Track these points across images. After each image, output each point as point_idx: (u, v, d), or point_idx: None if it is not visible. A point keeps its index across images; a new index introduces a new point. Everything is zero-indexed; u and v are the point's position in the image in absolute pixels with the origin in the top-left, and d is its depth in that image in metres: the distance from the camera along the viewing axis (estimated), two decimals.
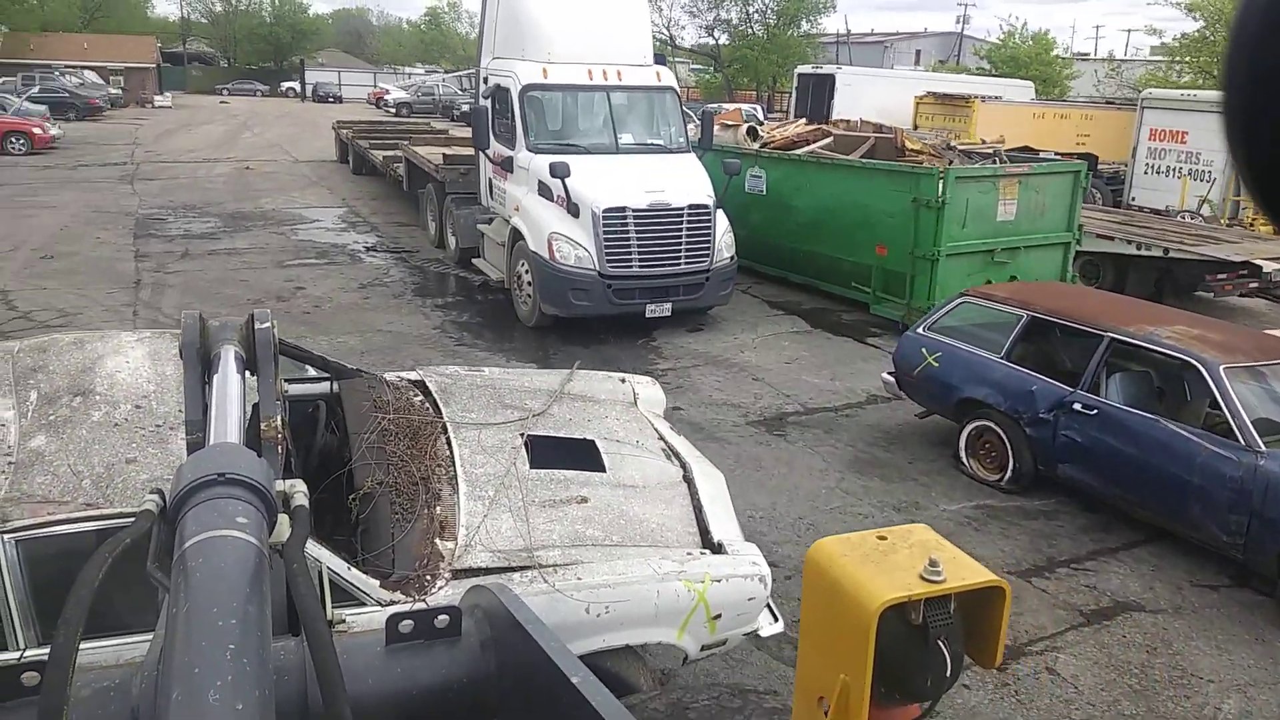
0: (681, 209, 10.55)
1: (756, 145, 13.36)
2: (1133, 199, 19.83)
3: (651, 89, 11.47)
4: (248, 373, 1.96)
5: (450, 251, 14.52)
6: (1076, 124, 25.80)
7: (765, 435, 8.32)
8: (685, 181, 10.81)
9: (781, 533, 6.51)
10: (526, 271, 10.91)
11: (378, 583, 3.43)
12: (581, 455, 4.35)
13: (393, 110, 49.23)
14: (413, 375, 4.84)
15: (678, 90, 11.87)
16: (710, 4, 44.28)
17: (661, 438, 4.82)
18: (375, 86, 62.22)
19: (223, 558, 1.10)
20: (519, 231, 11.05)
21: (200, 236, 15.51)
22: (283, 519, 1.29)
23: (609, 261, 10.33)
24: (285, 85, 67.65)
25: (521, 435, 4.34)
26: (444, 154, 14.95)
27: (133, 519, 1.35)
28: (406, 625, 1.56)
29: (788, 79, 46.87)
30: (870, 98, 26.64)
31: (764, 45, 42.20)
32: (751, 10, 44.12)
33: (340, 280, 13.01)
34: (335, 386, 4.52)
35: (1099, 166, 20.41)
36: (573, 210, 10.38)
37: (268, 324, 2.00)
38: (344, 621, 1.81)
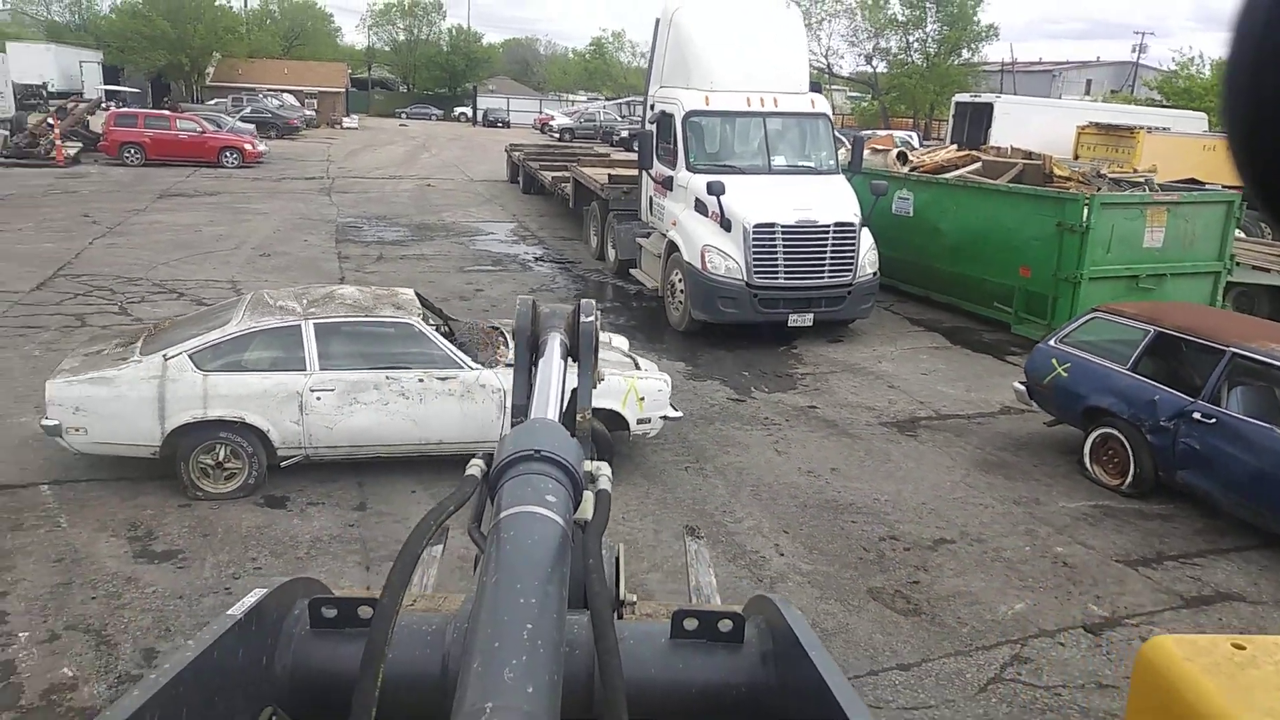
0: (828, 226, 11.30)
1: (906, 169, 13.94)
2: None
3: (805, 115, 12.30)
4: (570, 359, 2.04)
5: (610, 263, 15.72)
6: None
7: (896, 435, 8.95)
8: (832, 201, 11.56)
9: (903, 514, 7.17)
10: (680, 281, 11.90)
11: (471, 359, 7.08)
12: None
13: (556, 135, 51.64)
14: (491, 323, 8.31)
15: (830, 116, 12.65)
16: (870, 33, 44.64)
17: (622, 352, 8.20)
18: (540, 112, 65.21)
19: (530, 534, 1.12)
20: (675, 244, 12.06)
21: (392, 243, 17.36)
22: (587, 497, 1.31)
23: (756, 273, 11.20)
24: (458, 110, 71.76)
25: None
26: (608, 174, 16.23)
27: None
28: (691, 622, 1.55)
29: (946, 107, 46.54)
30: (1029, 127, 26.43)
31: (922, 74, 42.15)
32: (912, 39, 44.16)
33: (513, 285, 14.39)
34: (449, 325, 7.87)
35: None
36: (725, 225, 11.31)
37: (592, 317, 2.01)
38: (628, 605, 2.06)
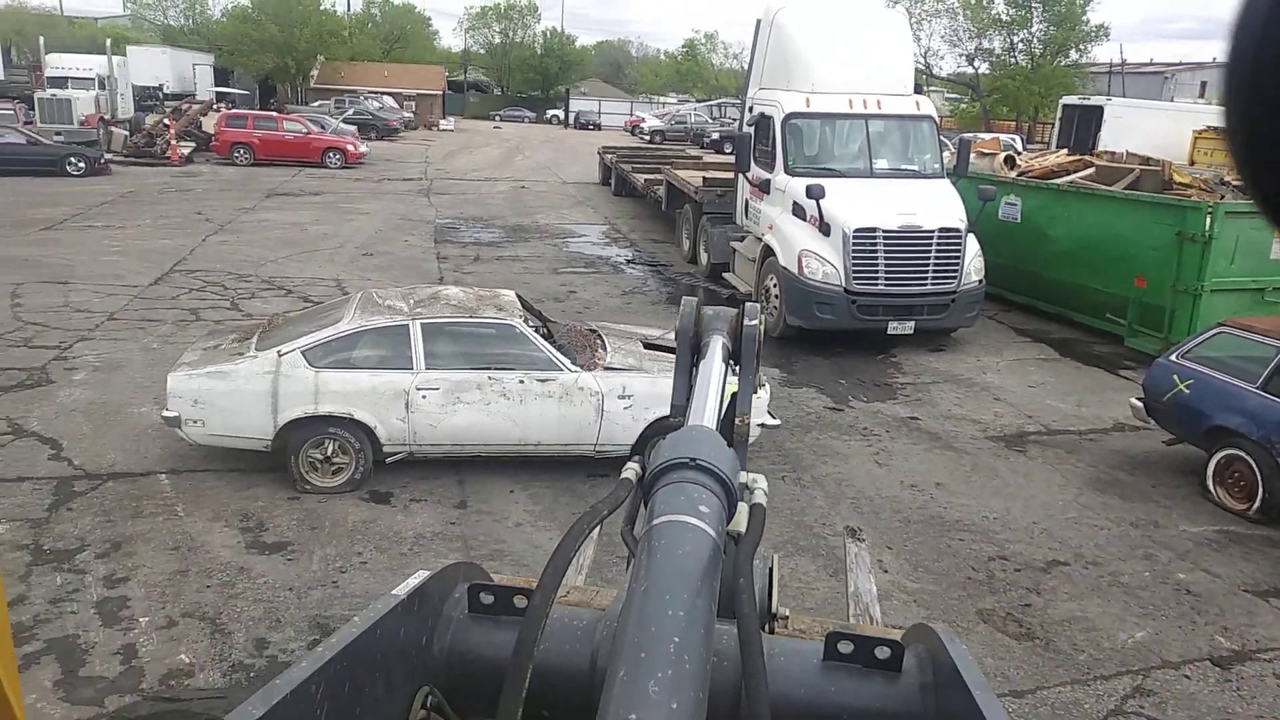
0: (932, 231, 10.99)
1: (1014, 174, 13.48)
2: None
3: (910, 117, 12.00)
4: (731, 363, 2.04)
5: (702, 266, 15.63)
6: None
7: (1004, 450, 8.63)
8: (937, 205, 11.25)
9: (1014, 533, 6.90)
10: (774, 285, 11.74)
11: (570, 362, 7.07)
12: (671, 351, 8.13)
13: (647, 137, 51.76)
14: (588, 325, 8.35)
15: (936, 119, 12.31)
16: (972, 33, 43.45)
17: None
18: (631, 114, 65.50)
19: (682, 544, 1.11)
20: (770, 248, 11.91)
21: (488, 244, 17.62)
22: (741, 509, 1.29)
23: (856, 279, 10.96)
24: (550, 112, 72.63)
25: (640, 341, 7.77)
26: (703, 177, 16.15)
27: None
28: (846, 646, 1.52)
29: (1050, 110, 44.98)
30: (1141, 131, 25.35)
31: (1027, 75, 40.83)
32: (1016, 40, 42.83)
33: (606, 287, 14.43)
34: (547, 327, 7.88)
35: None
36: (824, 229, 11.11)
37: (755, 321, 1.98)
38: (780, 619, 2.00)
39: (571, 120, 67.36)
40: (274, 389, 6.52)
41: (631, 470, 1.40)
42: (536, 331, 7.55)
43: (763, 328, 2.00)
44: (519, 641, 1.09)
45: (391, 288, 8.26)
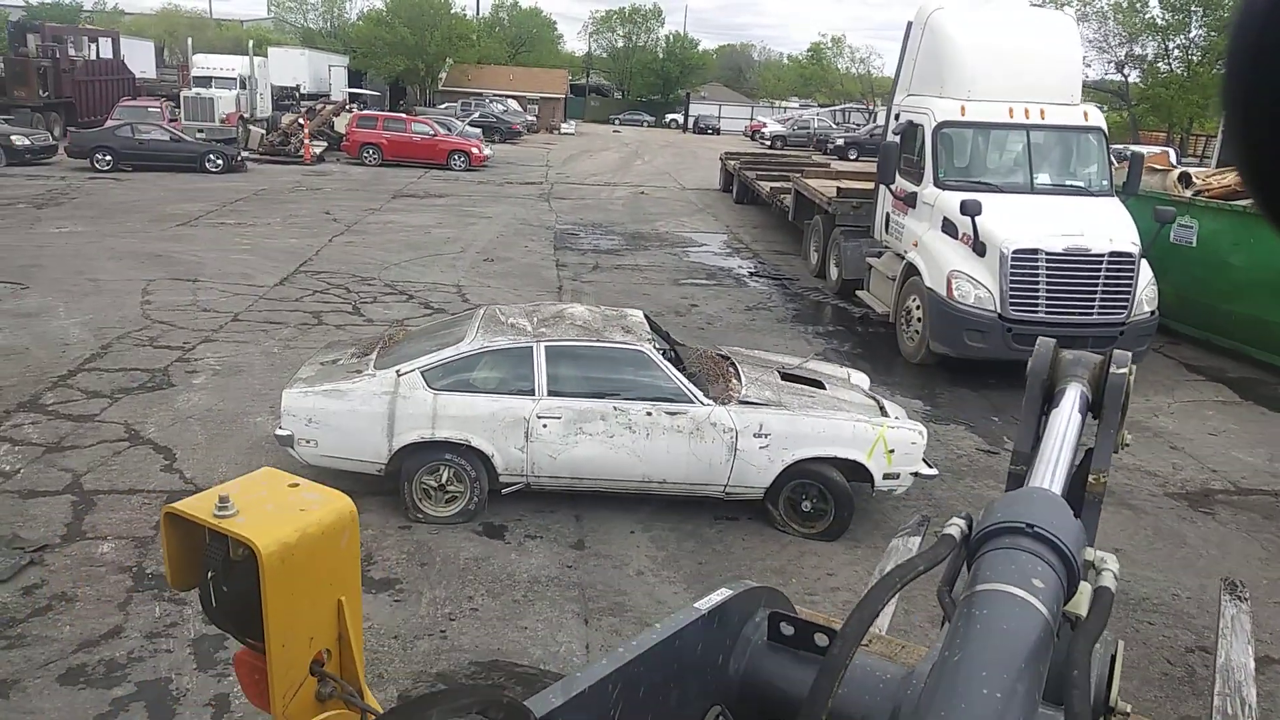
0: (1101, 255, 9.91)
1: (1189, 193, 12.16)
2: None
3: (1076, 129, 10.91)
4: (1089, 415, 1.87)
5: (831, 282, 14.78)
6: None
7: (1188, 510, 7.57)
8: (1107, 226, 10.14)
9: (1212, 618, 5.88)
10: (917, 307, 10.83)
11: (702, 394, 6.45)
12: (813, 383, 7.06)
13: (768, 142, 50.82)
14: (719, 350, 7.81)
15: (1105, 131, 11.17)
16: (1123, 38, 40.80)
17: (865, 392, 7.36)
18: (752, 119, 64.55)
19: (1007, 619, 1.03)
20: (914, 267, 11.00)
21: (607, 252, 17.18)
22: (1084, 590, 1.19)
23: (1013, 305, 9.97)
24: (669, 117, 72.39)
25: (777, 370, 7.23)
26: (837, 187, 15.27)
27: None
28: None
29: (1205, 121, 41.85)
30: None
31: (1182, 83, 38.04)
32: (1172, 45, 40.01)
33: (728, 301, 13.76)
34: (675, 350, 7.26)
35: None
36: (978, 249, 10.15)
37: (1125, 369, 1.82)
38: (1118, 715, 1.53)
39: (690, 125, 66.86)
40: (390, 410, 6.11)
41: (956, 527, 1.32)
42: (666, 357, 6.98)
43: (1132, 378, 1.81)
44: (817, 684, 1.08)
45: (515, 305, 7.80)
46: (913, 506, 7.15)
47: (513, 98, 58.75)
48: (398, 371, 6.19)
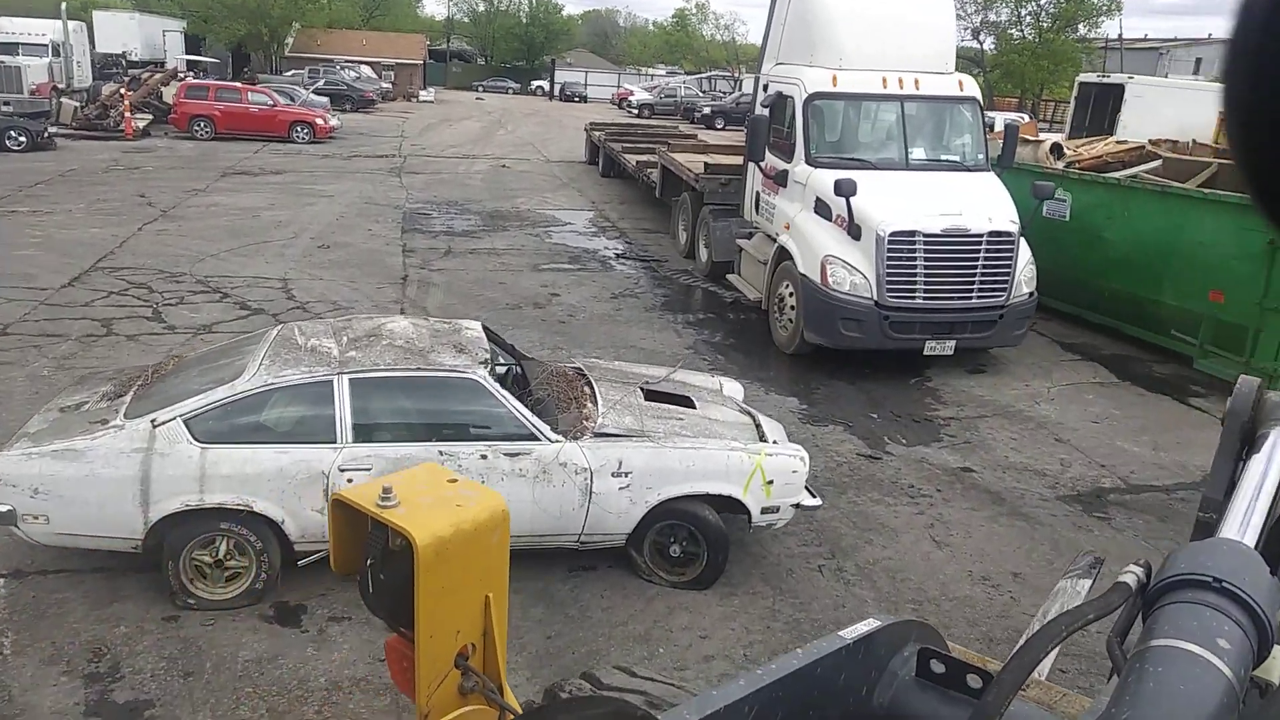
0: (980, 236, 9.31)
1: (1061, 165, 11.77)
2: None
3: (952, 99, 10.26)
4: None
5: (700, 264, 13.92)
6: None
7: (1083, 517, 7.00)
8: (986, 204, 9.55)
9: None
10: (790, 294, 10.04)
11: (550, 427, 5.38)
12: (680, 401, 6.10)
13: (635, 111, 49.80)
14: (572, 363, 6.67)
15: (980, 101, 10.57)
16: (978, 6, 41.50)
17: (738, 405, 6.44)
18: (619, 87, 63.32)
19: (1184, 677, 0.96)
20: (786, 251, 10.19)
21: (461, 234, 15.79)
22: (1277, 654, 1.14)
23: (890, 291, 9.28)
24: (534, 84, 70.32)
25: (639, 387, 6.15)
26: (705, 163, 14.34)
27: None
28: None
29: (1056, 87, 43.14)
30: (1164, 112, 23.54)
31: (1034, 50, 38.94)
32: (1024, 12, 40.94)
33: (593, 289, 12.69)
34: (520, 367, 6.27)
35: None
36: (853, 232, 9.40)
37: None
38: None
39: (557, 92, 65.06)
40: (144, 473, 4.78)
41: (1132, 575, 1.25)
42: (509, 378, 5.87)
43: None
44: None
45: (319, 321, 6.48)
46: (794, 533, 6.31)
47: (367, 64, 55.73)
48: (153, 422, 4.85)
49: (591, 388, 6.01)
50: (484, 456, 5.15)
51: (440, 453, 5.08)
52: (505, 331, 10.56)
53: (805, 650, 1.35)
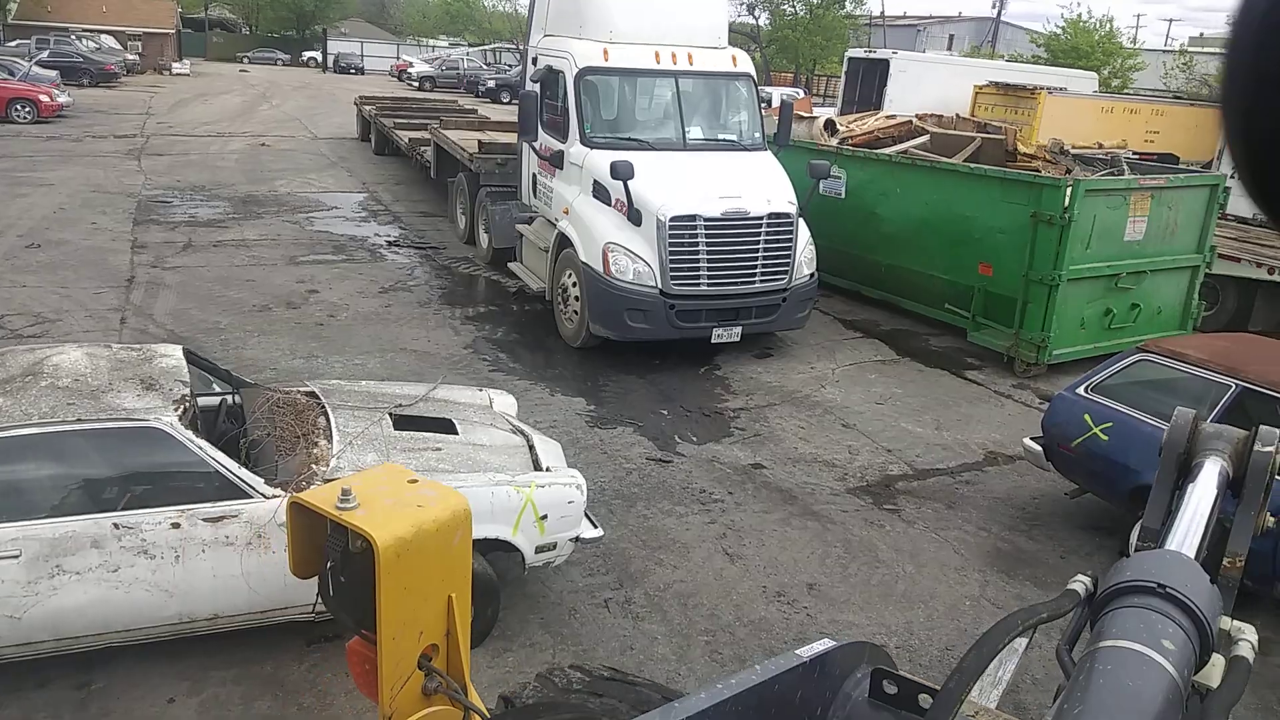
0: (760, 218, 8.98)
1: (835, 141, 11.73)
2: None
3: (726, 75, 9.86)
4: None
5: (481, 250, 13.02)
6: (1146, 119, 23.96)
7: (874, 511, 6.78)
8: (764, 186, 9.24)
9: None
10: (574, 284, 9.38)
11: (264, 479, 4.40)
12: (439, 426, 5.30)
13: (415, 84, 47.61)
14: (304, 387, 5.53)
15: (755, 77, 10.24)
16: None
17: (510, 423, 5.70)
18: (398, 59, 60.49)
19: (1132, 677, 0.99)
20: (567, 238, 9.51)
21: (206, 224, 14.00)
22: (1216, 661, 1.14)
23: (674, 278, 8.81)
24: (306, 55, 65.92)
25: (389, 413, 5.27)
26: (479, 140, 13.40)
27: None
28: None
29: (829, 62, 44.81)
30: (926, 86, 24.74)
31: (806, 25, 40.18)
32: None
33: (359, 282, 11.50)
34: (237, 397, 5.24)
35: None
36: (634, 217, 8.84)
37: (1272, 448, 1.65)
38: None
39: (331, 64, 61.26)
40: None
41: (1080, 583, 1.32)
42: (219, 414, 4.84)
43: (1279, 456, 1.67)
44: None
45: None
46: (578, 561, 5.65)
47: (109, 33, 50.11)
48: None
49: (327, 417, 5.06)
50: (176, 525, 4.12)
51: (115, 525, 4.01)
52: (250, 338, 9.31)
53: (763, 666, 1.37)
